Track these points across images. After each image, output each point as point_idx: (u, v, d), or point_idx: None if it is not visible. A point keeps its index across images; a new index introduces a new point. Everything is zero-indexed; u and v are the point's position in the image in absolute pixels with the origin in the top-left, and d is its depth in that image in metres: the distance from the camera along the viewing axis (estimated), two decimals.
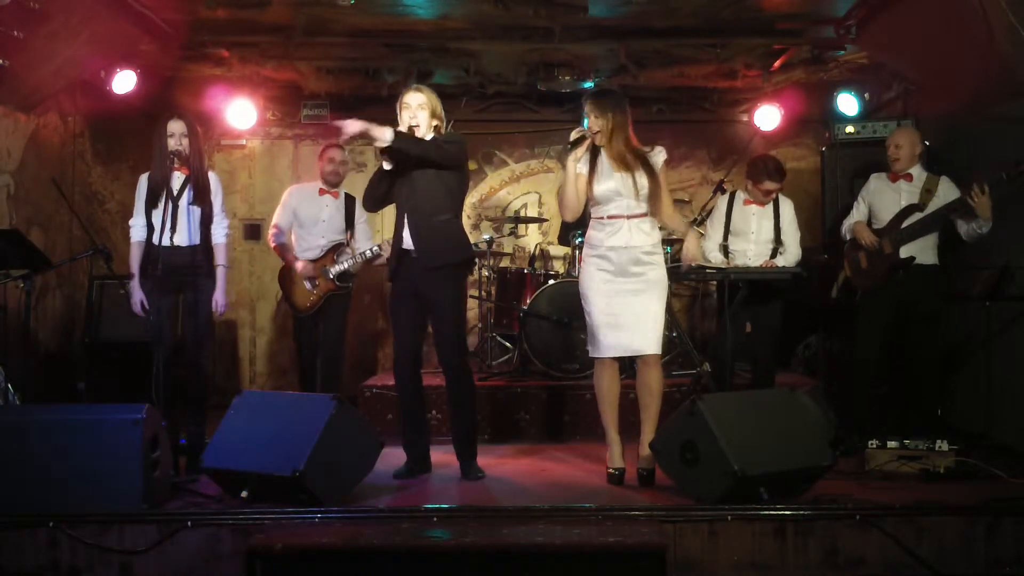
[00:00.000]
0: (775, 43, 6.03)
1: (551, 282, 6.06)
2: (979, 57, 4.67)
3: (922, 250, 4.89)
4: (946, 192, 4.89)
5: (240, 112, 6.83)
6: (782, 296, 5.26)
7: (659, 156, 4.21)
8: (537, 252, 6.99)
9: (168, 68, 6.39)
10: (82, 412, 3.84)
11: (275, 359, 7.45)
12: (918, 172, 5.00)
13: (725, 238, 5.41)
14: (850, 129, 6.14)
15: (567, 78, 6.48)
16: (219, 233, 4.78)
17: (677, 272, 5.37)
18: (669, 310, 5.75)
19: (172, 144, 4.62)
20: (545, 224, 7.39)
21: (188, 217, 4.64)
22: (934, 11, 4.85)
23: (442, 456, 4.67)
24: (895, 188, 5.03)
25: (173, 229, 4.54)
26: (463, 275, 4.61)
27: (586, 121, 4.26)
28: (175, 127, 4.65)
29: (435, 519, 3.55)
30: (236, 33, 5.81)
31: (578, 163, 4.16)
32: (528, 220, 6.93)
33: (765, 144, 7.40)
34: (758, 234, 5.34)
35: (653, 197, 4.16)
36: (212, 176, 4.81)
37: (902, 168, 4.99)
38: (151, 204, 4.63)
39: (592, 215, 4.30)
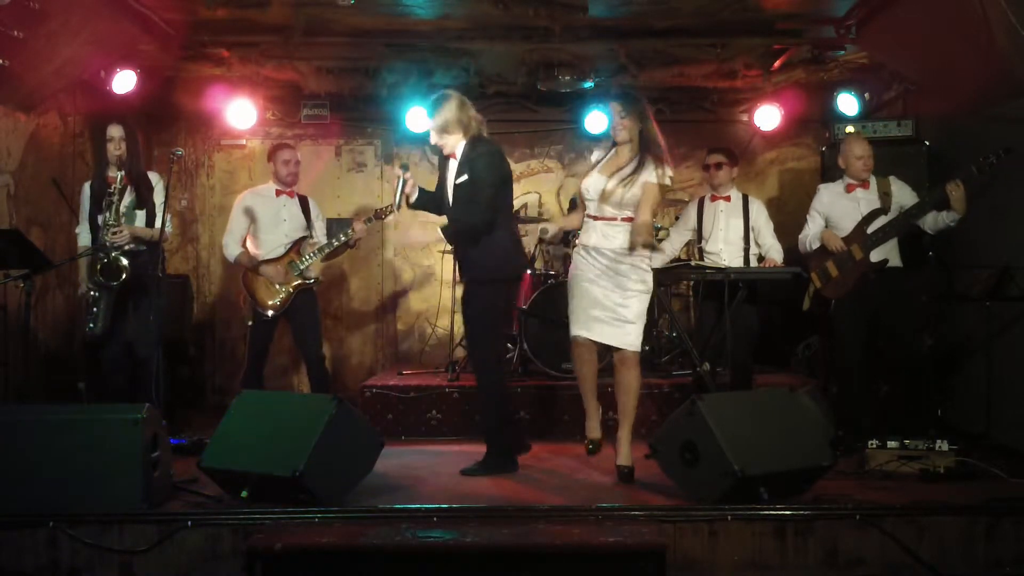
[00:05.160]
0: (775, 43, 6.02)
1: (551, 282, 6.07)
2: (979, 57, 4.67)
3: (889, 253, 4.91)
4: (899, 191, 4.96)
5: (240, 112, 6.83)
6: (758, 297, 5.31)
7: (651, 174, 4.26)
8: (537, 252, 6.98)
9: (168, 68, 6.38)
10: (82, 412, 3.84)
11: (275, 359, 7.43)
12: (871, 178, 5.03)
13: (700, 240, 5.46)
14: (850, 129, 6.13)
15: (567, 78, 6.47)
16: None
17: (677, 272, 5.37)
18: (669, 310, 5.77)
19: (111, 148, 4.81)
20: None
21: (131, 222, 4.85)
22: (934, 11, 4.85)
23: (441, 456, 4.68)
24: (851, 197, 5.02)
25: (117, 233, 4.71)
26: None
27: (610, 115, 4.39)
28: (114, 131, 4.84)
29: (435, 519, 3.55)
30: (236, 33, 5.80)
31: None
32: (528, 220, 6.92)
33: (765, 144, 7.40)
34: (727, 232, 5.37)
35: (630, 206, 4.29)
36: (152, 175, 4.93)
37: (867, 176, 5.01)
38: (95, 209, 4.80)
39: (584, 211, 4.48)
